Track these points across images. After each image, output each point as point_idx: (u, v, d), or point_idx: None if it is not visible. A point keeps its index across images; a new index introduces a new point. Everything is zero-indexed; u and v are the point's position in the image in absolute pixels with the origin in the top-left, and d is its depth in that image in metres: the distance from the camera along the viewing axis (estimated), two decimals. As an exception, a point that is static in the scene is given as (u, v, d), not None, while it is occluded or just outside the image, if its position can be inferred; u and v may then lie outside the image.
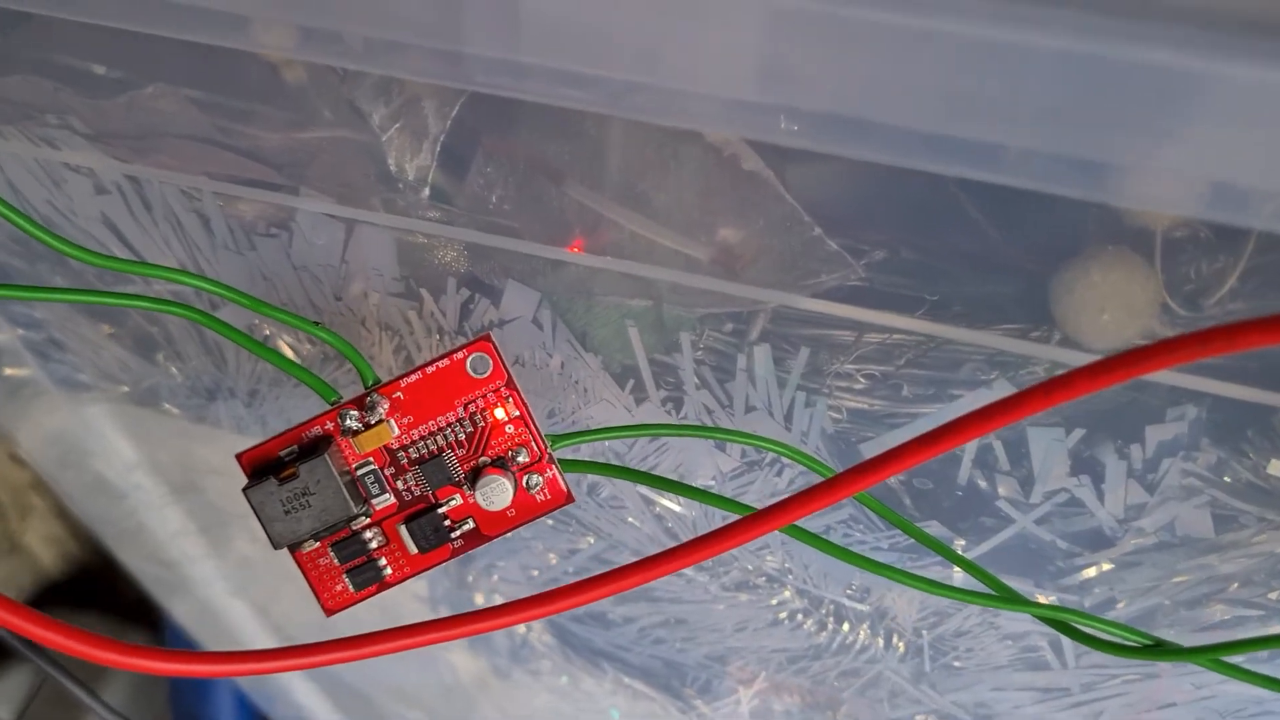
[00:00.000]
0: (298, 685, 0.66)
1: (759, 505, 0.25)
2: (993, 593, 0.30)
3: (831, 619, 0.40)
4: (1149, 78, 0.20)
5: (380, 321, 0.35)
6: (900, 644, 0.40)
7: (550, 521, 0.40)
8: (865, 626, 0.39)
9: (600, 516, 0.39)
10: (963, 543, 0.35)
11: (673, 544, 0.37)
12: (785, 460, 0.34)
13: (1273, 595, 0.33)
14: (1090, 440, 0.30)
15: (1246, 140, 0.20)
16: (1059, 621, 0.30)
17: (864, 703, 0.43)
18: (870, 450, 0.33)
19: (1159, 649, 0.29)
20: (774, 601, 0.40)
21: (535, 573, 0.43)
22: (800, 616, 0.40)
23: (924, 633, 0.38)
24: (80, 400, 0.44)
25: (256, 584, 0.55)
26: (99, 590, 0.83)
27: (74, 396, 0.44)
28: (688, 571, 0.40)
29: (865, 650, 0.40)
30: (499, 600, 0.46)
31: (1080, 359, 0.29)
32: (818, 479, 0.34)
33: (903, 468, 0.23)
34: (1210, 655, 0.28)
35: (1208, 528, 0.31)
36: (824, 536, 0.30)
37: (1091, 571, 0.34)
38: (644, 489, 0.38)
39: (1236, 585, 0.33)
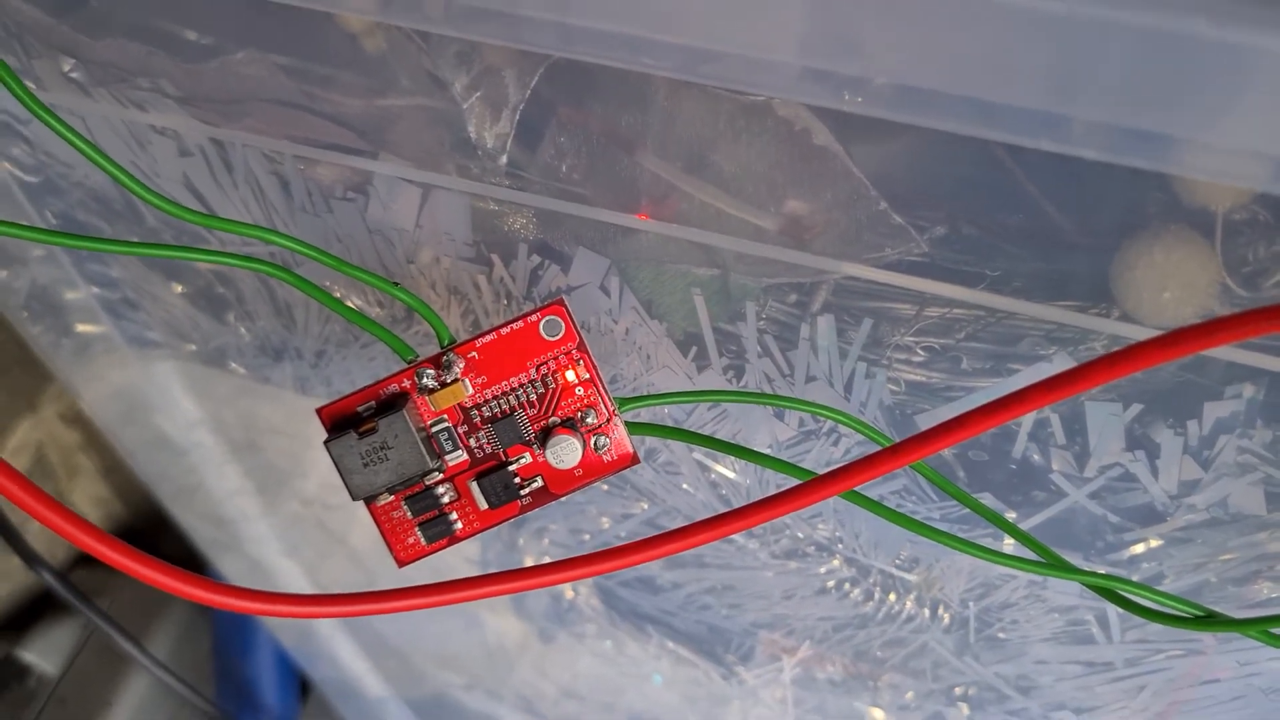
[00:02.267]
0: (340, 644, 0.67)
1: (816, 472, 0.26)
2: (1043, 560, 0.31)
3: (879, 589, 0.41)
4: (1214, 53, 0.20)
5: (450, 285, 0.36)
6: (946, 615, 0.40)
7: (605, 486, 0.41)
8: (912, 597, 0.40)
9: (655, 482, 0.40)
10: (1014, 515, 0.35)
11: (722, 507, 0.38)
12: (842, 430, 0.35)
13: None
14: (1147, 416, 0.31)
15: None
16: (1108, 590, 0.31)
17: (907, 673, 0.44)
18: (927, 423, 0.34)
19: (1209, 620, 0.30)
20: (822, 570, 0.41)
21: (587, 536, 0.44)
22: (848, 585, 0.41)
23: (970, 604, 0.39)
24: (149, 358, 0.45)
25: (307, 545, 0.56)
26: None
27: (143, 354, 0.45)
28: (738, 538, 0.41)
29: (911, 620, 0.41)
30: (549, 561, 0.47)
31: (1140, 335, 0.30)
32: (874, 448, 0.34)
33: (964, 437, 0.23)
34: (1260, 626, 0.29)
35: (1260, 505, 0.32)
36: (879, 503, 0.30)
37: (1140, 547, 0.35)
38: (700, 455, 0.39)
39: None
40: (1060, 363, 0.31)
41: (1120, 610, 0.37)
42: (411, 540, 0.32)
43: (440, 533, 0.32)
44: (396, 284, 0.31)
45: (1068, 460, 0.33)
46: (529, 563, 0.48)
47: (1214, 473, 0.31)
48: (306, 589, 0.59)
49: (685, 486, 0.39)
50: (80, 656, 0.81)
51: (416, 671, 0.67)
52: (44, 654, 0.79)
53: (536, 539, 0.46)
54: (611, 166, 0.32)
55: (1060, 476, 0.33)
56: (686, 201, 0.31)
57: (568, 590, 0.48)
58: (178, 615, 0.82)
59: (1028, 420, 0.32)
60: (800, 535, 0.39)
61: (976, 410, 0.23)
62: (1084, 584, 0.33)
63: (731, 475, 0.38)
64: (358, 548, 0.54)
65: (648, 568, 0.44)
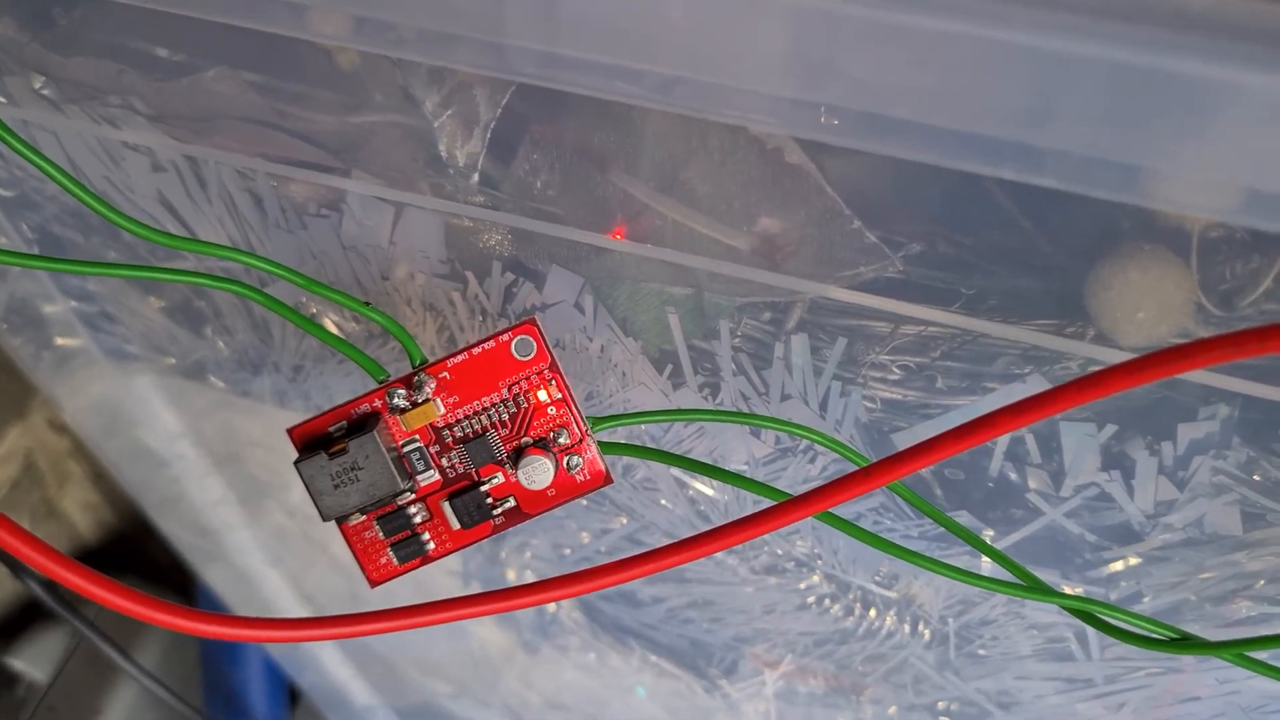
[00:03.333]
0: (327, 655, 0.67)
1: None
2: (1021, 582, 0.31)
3: (859, 604, 0.41)
4: (1183, 86, 0.20)
5: (425, 302, 0.36)
6: (926, 631, 0.40)
7: (584, 501, 0.41)
8: (892, 613, 0.40)
9: (634, 498, 0.40)
10: (991, 533, 0.35)
11: (705, 527, 0.38)
12: (818, 448, 0.35)
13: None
14: (1122, 436, 0.31)
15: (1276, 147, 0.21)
16: (1085, 612, 0.30)
17: (888, 688, 0.44)
18: (903, 440, 0.33)
19: (1185, 642, 0.30)
20: (802, 585, 0.41)
21: (567, 551, 0.44)
22: (828, 601, 0.41)
23: (950, 620, 0.39)
24: (128, 371, 0.45)
25: (291, 555, 0.56)
26: (133, 557, 0.85)
27: (122, 367, 0.45)
28: (718, 554, 0.40)
29: (891, 636, 0.41)
30: (531, 577, 0.47)
31: (1114, 355, 0.30)
32: (851, 467, 0.34)
33: (938, 458, 0.23)
34: (1235, 650, 0.29)
35: (1236, 525, 0.32)
36: (855, 523, 0.30)
37: (1119, 565, 0.35)
38: (678, 472, 0.39)
39: (1263, 582, 0.34)
40: (1035, 382, 0.30)
41: (1096, 633, 0.37)
42: (384, 560, 0.32)
43: (412, 553, 0.32)
44: (368, 304, 0.31)
45: (1044, 479, 0.33)
46: (511, 576, 0.48)
47: (1189, 493, 0.31)
48: (291, 599, 0.59)
49: (663, 502, 0.39)
50: (69, 664, 0.81)
51: (403, 679, 0.67)
52: (33, 662, 0.79)
53: (518, 553, 0.46)
54: (585, 184, 0.32)
55: (1037, 495, 0.33)
56: (660, 220, 0.31)
57: (550, 605, 0.48)
58: (166, 623, 0.81)
59: (1003, 439, 0.32)
60: (779, 552, 0.39)
61: (948, 433, 0.23)
62: (1060, 606, 0.33)
63: (709, 492, 0.38)
64: (340, 557, 0.54)
65: (629, 583, 0.44)
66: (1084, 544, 0.34)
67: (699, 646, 0.47)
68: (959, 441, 0.23)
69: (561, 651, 0.52)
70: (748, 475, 0.35)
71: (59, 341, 0.45)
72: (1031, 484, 0.33)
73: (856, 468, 0.25)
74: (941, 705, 0.44)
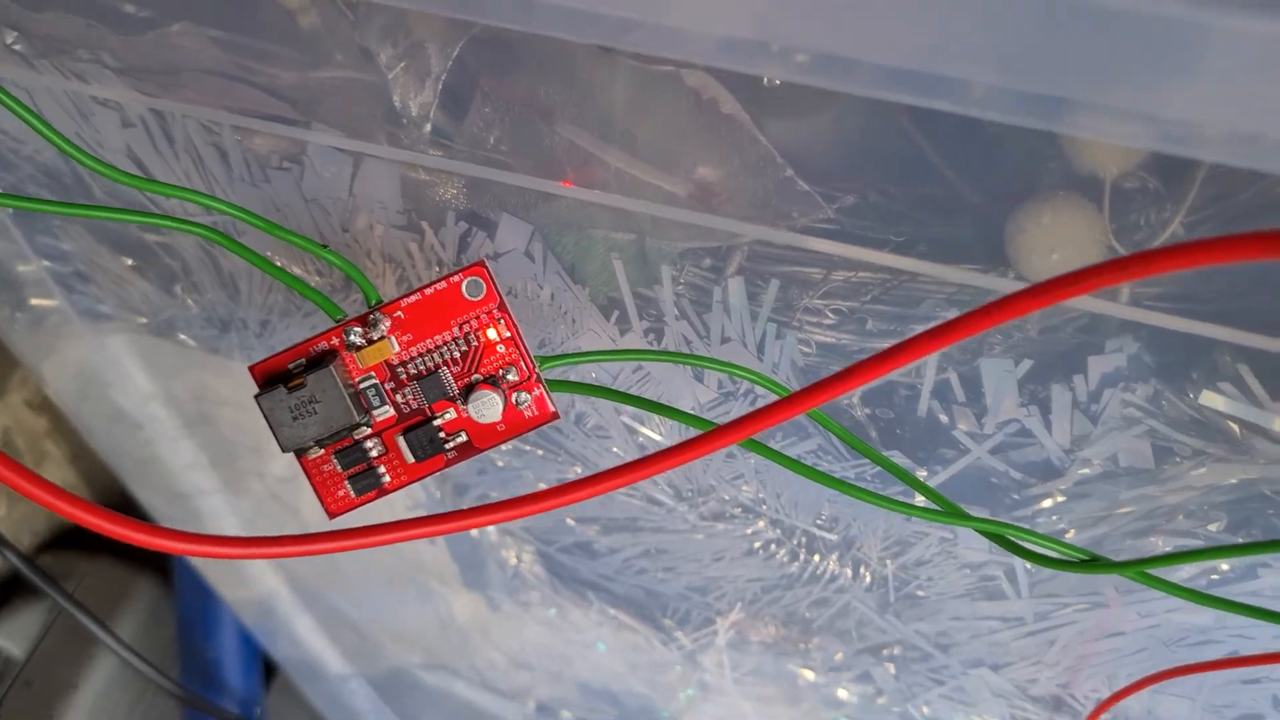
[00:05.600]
0: (300, 624, 0.69)
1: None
2: (938, 508, 0.32)
3: (803, 550, 0.42)
4: (1110, 20, 0.22)
5: (384, 253, 0.37)
6: (867, 574, 0.42)
7: (540, 451, 0.43)
8: (834, 557, 0.42)
9: (586, 446, 0.41)
10: (924, 473, 0.37)
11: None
12: (759, 392, 0.37)
13: (1212, 527, 0.36)
14: (1038, 372, 0.32)
15: (1194, 81, 0.22)
16: (998, 535, 0.32)
17: (833, 634, 0.46)
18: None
19: (1092, 563, 0.31)
20: (749, 531, 0.42)
21: (526, 503, 0.46)
22: (774, 547, 0.43)
23: (888, 562, 0.41)
24: (101, 330, 0.47)
25: (264, 517, 0.58)
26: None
27: (95, 327, 0.47)
28: (668, 500, 0.42)
29: (834, 580, 0.43)
30: (493, 531, 0.49)
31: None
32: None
33: (855, 386, 0.25)
34: (1138, 568, 0.31)
35: (1148, 459, 0.33)
36: (785, 454, 0.32)
37: (1047, 502, 0.37)
38: (628, 419, 0.40)
39: (1181, 517, 0.35)
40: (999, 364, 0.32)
41: (1028, 565, 0.38)
42: (341, 493, 0.34)
43: (369, 485, 0.33)
44: (325, 245, 0.33)
45: (969, 417, 0.34)
46: (474, 532, 0.50)
47: (1102, 427, 0.33)
48: (264, 564, 0.60)
49: (615, 450, 0.41)
50: (46, 639, 0.82)
51: (374, 648, 0.68)
52: (10, 637, 0.80)
53: (478, 503, 0.47)
54: (533, 135, 0.33)
55: (963, 434, 0.35)
56: (603, 168, 0.33)
57: (512, 558, 0.50)
58: (143, 598, 0.83)
59: (929, 379, 0.34)
60: (726, 497, 0.41)
61: (865, 361, 0.25)
62: (976, 529, 0.35)
63: (658, 438, 0.40)
64: (311, 519, 0.55)
65: (585, 533, 0.46)
66: (1011, 481, 0.36)
67: (654, 597, 0.48)
68: (875, 368, 0.25)
69: (524, 608, 0.54)
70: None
71: (33, 302, 0.47)
72: (958, 422, 0.35)
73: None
74: (885, 650, 0.46)
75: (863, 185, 0.33)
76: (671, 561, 0.46)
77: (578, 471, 0.43)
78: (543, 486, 0.43)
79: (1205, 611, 0.38)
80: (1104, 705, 0.39)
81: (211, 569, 0.65)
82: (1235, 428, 0.32)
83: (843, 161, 0.33)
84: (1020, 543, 0.32)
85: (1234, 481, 0.34)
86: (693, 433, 0.40)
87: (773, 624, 0.47)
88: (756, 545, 0.43)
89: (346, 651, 0.71)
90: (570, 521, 0.46)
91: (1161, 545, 0.36)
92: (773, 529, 0.42)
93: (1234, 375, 0.31)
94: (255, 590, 0.64)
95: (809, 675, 0.49)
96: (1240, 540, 0.34)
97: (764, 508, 0.41)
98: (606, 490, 0.28)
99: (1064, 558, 0.32)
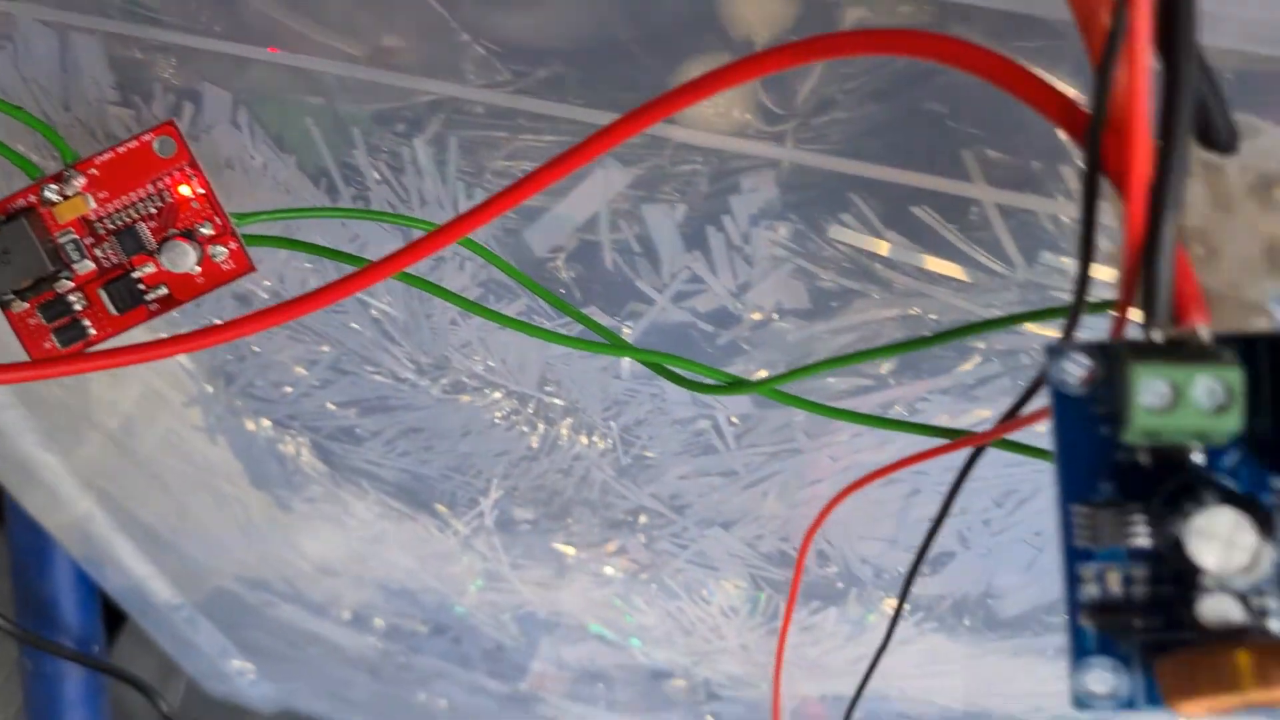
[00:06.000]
0: (121, 549, 0.70)
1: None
2: (604, 340, 0.35)
3: (541, 420, 0.45)
4: None
5: (106, 132, 0.39)
6: (599, 439, 0.45)
7: (288, 333, 0.45)
8: (567, 424, 0.45)
9: (328, 323, 0.44)
10: (628, 330, 0.40)
11: (391, 346, 0.42)
12: (466, 257, 0.39)
13: (885, 369, 0.39)
14: (694, 217, 0.35)
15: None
16: (655, 364, 0.35)
17: (586, 507, 0.49)
18: (531, 237, 0.38)
19: (735, 385, 0.35)
20: (487, 403, 0.45)
21: (289, 389, 0.48)
22: (514, 417, 0.45)
23: (612, 424, 0.44)
24: None
25: (61, 431, 0.59)
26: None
27: None
28: (410, 375, 0.45)
29: (571, 447, 0.45)
30: (266, 422, 0.51)
31: (696, 136, 0.34)
32: (495, 271, 0.39)
33: (502, 209, 0.28)
34: (769, 385, 0.34)
35: (804, 298, 0.37)
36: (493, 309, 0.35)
37: (739, 349, 0.39)
38: (361, 295, 0.43)
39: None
40: (616, 172, 0.35)
41: (731, 417, 0.42)
42: (48, 344, 0.35)
43: (74, 337, 0.35)
44: (19, 107, 0.35)
45: (648, 268, 0.37)
46: (250, 426, 0.52)
47: (758, 269, 0.36)
48: (67, 477, 0.61)
49: (354, 325, 0.43)
50: None
51: (194, 569, 0.70)
52: None
53: (247, 397, 0.49)
54: (229, 1, 0.35)
55: (646, 285, 0.38)
56: (289, 32, 0.35)
57: (288, 449, 0.52)
58: (-25, 538, 0.83)
59: (605, 233, 0.37)
60: (460, 367, 0.43)
61: (504, 191, 0.28)
62: (635, 359, 0.38)
63: (391, 311, 0.42)
64: (107, 425, 0.57)
65: (346, 416, 0.48)
66: (702, 332, 0.39)
67: (421, 481, 0.51)
68: (524, 189, 0.28)
69: (311, 504, 0.56)
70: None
71: None
72: (640, 275, 0.38)
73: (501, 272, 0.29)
74: (634, 519, 0.49)
75: (540, 49, 0.35)
76: (427, 440, 0.48)
77: (325, 350, 0.45)
78: (300, 369, 0.45)
79: (887, 450, 0.41)
80: (805, 542, 0.42)
81: (27, 495, 0.66)
82: (875, 264, 0.35)
83: (525, 25, 0.36)
84: (673, 370, 0.35)
85: (891, 316, 0.37)
86: (415, 305, 0.42)
87: (530, 501, 0.50)
88: (498, 417, 0.46)
89: (172, 578, 0.72)
90: (331, 406, 0.48)
91: (838, 385, 0.39)
92: (509, 399, 0.44)
93: (860, 211, 0.34)
94: (71, 514, 0.66)
95: (571, 552, 0.52)
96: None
97: (496, 377, 0.43)
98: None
99: (711, 382, 0.35)
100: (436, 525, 0.54)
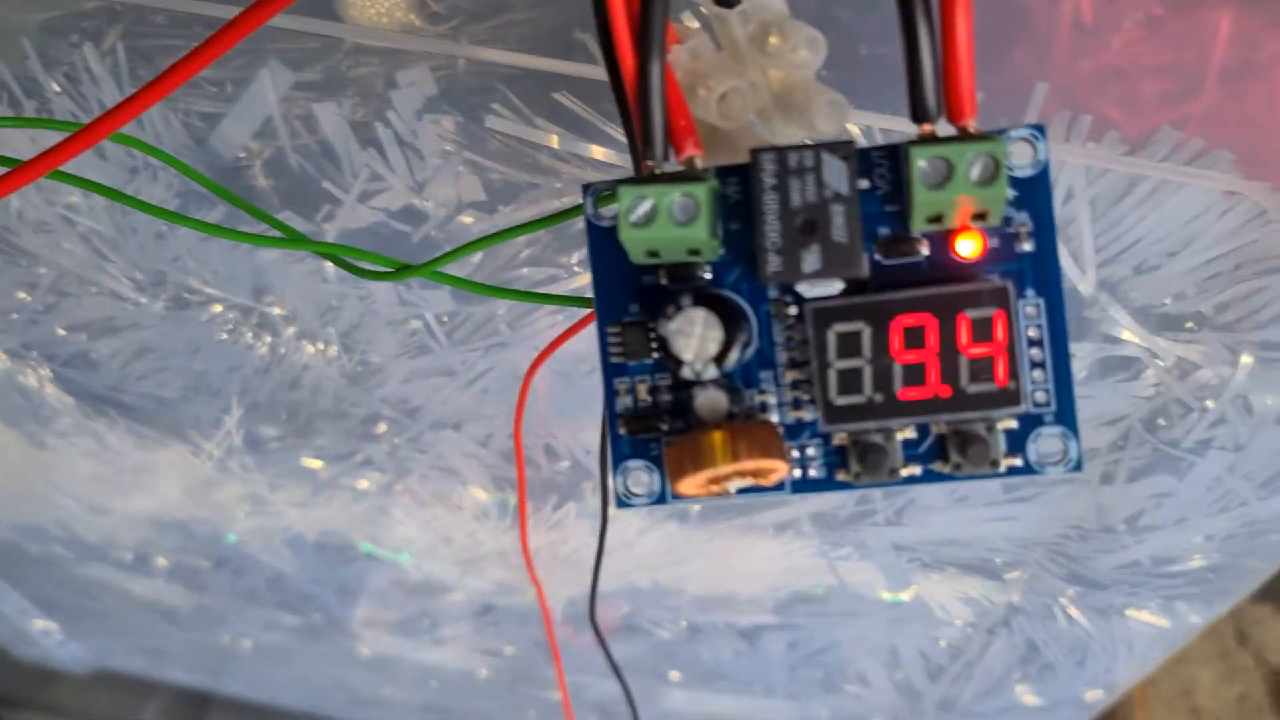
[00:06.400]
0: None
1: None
2: (276, 233, 0.37)
3: (266, 332, 0.46)
4: None
5: None
6: (323, 346, 0.46)
7: (3, 257, 0.45)
8: (290, 333, 0.46)
9: (39, 244, 0.44)
10: (331, 232, 0.41)
11: (103, 262, 0.42)
12: (159, 168, 0.40)
13: (573, 260, 0.41)
14: (363, 113, 0.37)
15: None
16: (333, 256, 0.37)
17: (321, 415, 0.50)
18: (215, 142, 0.39)
19: (404, 270, 0.36)
20: (211, 316, 0.46)
21: (15, 316, 0.48)
22: (240, 330, 0.46)
23: (331, 330, 0.45)
24: None
25: None
26: None
27: None
28: (130, 293, 0.45)
29: (297, 356, 0.47)
30: (4, 358, 0.51)
31: (361, 34, 0.36)
32: (189, 179, 0.40)
33: (146, 105, 0.29)
34: (430, 268, 0.36)
35: (480, 191, 0.39)
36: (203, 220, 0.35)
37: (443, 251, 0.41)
38: (66, 212, 0.43)
39: (539, 248, 0.41)
40: (281, 73, 0.36)
41: (432, 315, 0.43)
42: None
43: None
44: None
45: (331, 169, 0.39)
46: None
47: (431, 164, 0.38)
48: None
49: (65, 245, 0.44)
50: None
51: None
52: None
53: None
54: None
55: (332, 186, 0.39)
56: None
57: (30, 379, 0.52)
58: None
59: (285, 137, 0.38)
60: (176, 281, 0.44)
61: (155, 79, 0.29)
62: (315, 252, 0.39)
63: (96, 226, 0.43)
64: None
65: (78, 342, 0.49)
66: (394, 231, 0.41)
67: (164, 405, 0.52)
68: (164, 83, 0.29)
69: (65, 439, 0.56)
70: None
71: None
72: (326, 176, 0.39)
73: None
74: (374, 429, 0.50)
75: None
76: (160, 360, 0.49)
77: (42, 273, 0.45)
78: (20, 295, 0.45)
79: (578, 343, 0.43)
80: (516, 435, 0.45)
81: None
82: (540, 155, 0.37)
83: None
84: (347, 260, 0.37)
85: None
86: (126, 228, 0.43)
87: (272, 418, 0.51)
88: (224, 333, 0.47)
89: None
90: (61, 331, 0.48)
91: (534, 276, 0.42)
92: (230, 311, 0.45)
93: (509, 100, 0.36)
94: None
95: (318, 465, 0.53)
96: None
97: (211, 289, 0.44)
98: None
99: (379, 269, 0.37)
100: (190, 450, 0.55)
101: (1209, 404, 0.41)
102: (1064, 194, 0.35)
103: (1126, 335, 0.39)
